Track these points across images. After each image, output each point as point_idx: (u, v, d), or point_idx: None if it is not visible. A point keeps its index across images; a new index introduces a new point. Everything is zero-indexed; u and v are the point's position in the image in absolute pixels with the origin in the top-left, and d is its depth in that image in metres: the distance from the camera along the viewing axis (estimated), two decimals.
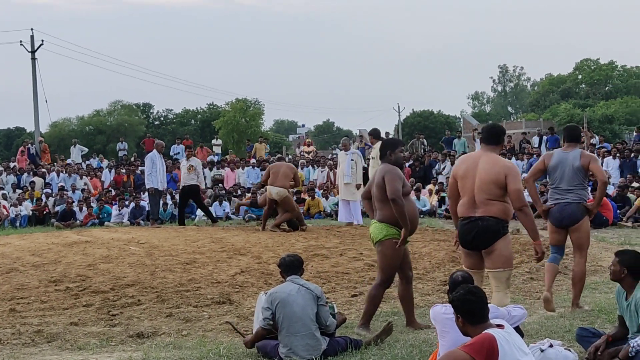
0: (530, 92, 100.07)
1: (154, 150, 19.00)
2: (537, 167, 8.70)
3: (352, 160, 17.50)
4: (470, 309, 4.79)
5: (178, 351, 7.02)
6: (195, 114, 79.86)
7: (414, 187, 22.19)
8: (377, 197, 7.51)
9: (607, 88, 78.91)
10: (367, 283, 10.20)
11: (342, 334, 7.17)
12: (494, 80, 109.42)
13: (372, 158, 14.40)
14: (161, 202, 20.45)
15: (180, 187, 19.46)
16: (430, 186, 23.08)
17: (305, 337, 6.62)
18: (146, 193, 21.41)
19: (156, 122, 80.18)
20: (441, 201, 21.97)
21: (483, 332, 4.66)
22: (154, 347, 7.23)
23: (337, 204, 19.92)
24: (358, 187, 17.22)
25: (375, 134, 16.54)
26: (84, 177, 26.00)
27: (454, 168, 7.23)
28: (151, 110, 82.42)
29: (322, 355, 6.61)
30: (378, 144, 14.03)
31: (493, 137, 7.08)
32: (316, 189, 23.50)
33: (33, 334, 7.87)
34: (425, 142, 33.64)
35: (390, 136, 37.41)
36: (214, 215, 19.94)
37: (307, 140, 35.09)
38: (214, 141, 37.42)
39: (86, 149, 34.30)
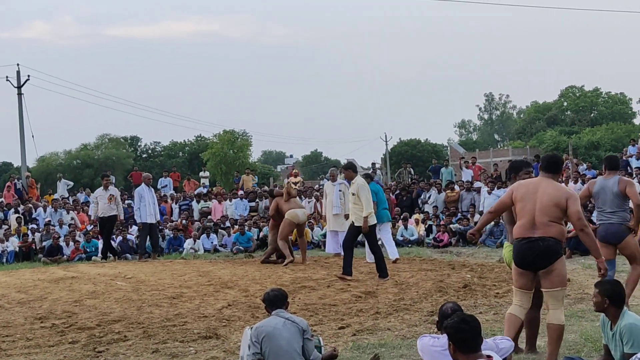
0: (516, 119, 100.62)
1: (142, 184, 18.99)
2: (583, 194, 9.90)
3: (340, 190, 17.55)
4: (464, 337, 4.79)
5: None
6: (183, 146, 79.93)
7: (401, 217, 22.26)
8: (509, 220, 7.83)
9: (592, 115, 79.43)
10: (354, 315, 10.17)
11: None
12: (480, 109, 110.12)
13: (353, 194, 13.90)
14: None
15: (99, 218, 19.48)
16: (416, 215, 23.09)
17: None
18: (134, 227, 21.43)
19: (144, 155, 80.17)
20: (428, 230, 21.99)
21: None
22: None
23: (324, 235, 19.93)
24: (346, 217, 17.08)
25: (352, 168, 15.70)
26: (70, 211, 25.88)
27: (515, 192, 7.41)
28: (139, 143, 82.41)
29: None
30: (357, 178, 13.94)
31: (552, 165, 7.54)
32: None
33: None
34: (413, 171, 33.72)
35: (378, 166, 37.51)
36: (198, 248, 20.03)
37: (294, 171, 35.12)
38: (201, 173, 37.37)
39: (72, 183, 34.23)
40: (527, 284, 7.23)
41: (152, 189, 19.27)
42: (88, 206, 27.36)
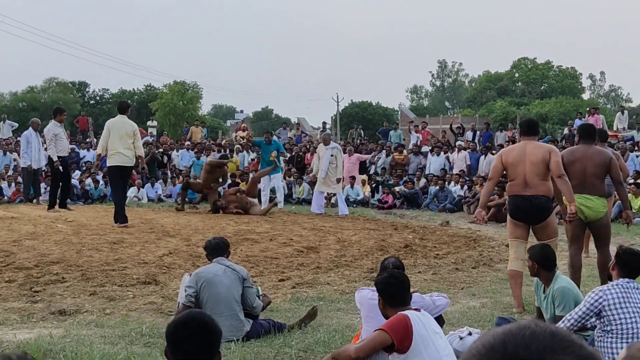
0: (468, 88, 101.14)
1: (30, 129, 18.29)
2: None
3: (332, 155, 17.88)
4: (392, 291, 4.93)
5: (100, 329, 6.94)
6: (131, 95, 78.71)
7: (349, 177, 22.34)
8: (598, 175, 8.46)
9: (542, 87, 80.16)
10: (295, 268, 10.25)
11: (267, 317, 7.19)
12: (433, 75, 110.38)
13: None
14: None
15: (59, 158, 16.18)
16: (363, 176, 23.19)
17: (229, 318, 6.61)
18: (77, 171, 21.13)
19: (92, 102, 78.83)
20: (374, 191, 22.12)
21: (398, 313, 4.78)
22: (75, 324, 7.13)
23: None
24: (338, 180, 18.21)
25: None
26: (13, 152, 25.39)
27: (503, 155, 8.23)
28: (87, 89, 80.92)
29: (245, 337, 6.61)
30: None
31: (531, 128, 8.34)
32: (250, 173, 23.45)
33: None
34: (363, 133, 33.80)
35: (328, 126, 37.50)
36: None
37: (243, 125, 34.95)
38: (149, 123, 36.97)
39: (16, 125, 33.51)
40: (522, 234, 8.13)
41: (39, 135, 18.43)
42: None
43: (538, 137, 8.48)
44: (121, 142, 13.31)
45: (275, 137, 22.63)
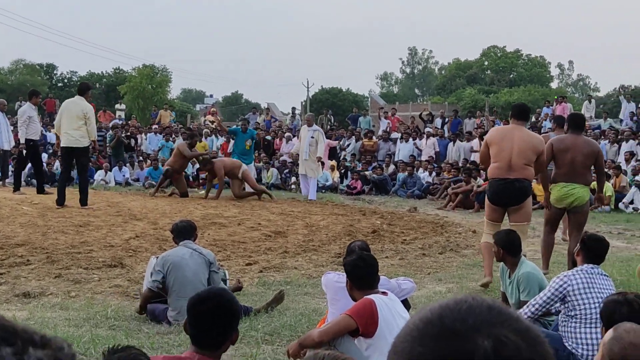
0: (438, 75, 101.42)
1: None
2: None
3: (312, 137, 17.76)
4: (360, 274, 4.93)
5: (64, 312, 6.88)
6: (100, 78, 78.00)
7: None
8: (586, 165, 8.74)
9: (511, 75, 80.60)
10: (262, 252, 10.23)
11: None
12: (403, 62, 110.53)
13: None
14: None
15: (30, 141, 15.62)
16: (332, 162, 23.20)
17: None
18: (44, 154, 20.88)
19: (59, 84, 77.99)
20: (343, 176, 22.15)
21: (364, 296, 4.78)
22: (39, 307, 7.06)
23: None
24: (319, 159, 18.40)
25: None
26: None
27: (488, 137, 8.44)
28: (55, 71, 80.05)
29: None
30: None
31: (522, 113, 8.47)
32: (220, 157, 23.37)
33: None
34: (332, 119, 33.79)
35: (297, 111, 37.45)
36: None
37: (212, 109, 34.76)
38: (117, 106, 36.67)
39: None
40: (499, 217, 8.33)
41: (6, 116, 17.99)
42: None
43: (528, 123, 8.63)
44: (70, 123, 13.09)
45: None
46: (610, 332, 3.17)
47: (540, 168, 8.30)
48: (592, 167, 9.01)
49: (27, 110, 15.11)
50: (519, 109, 8.57)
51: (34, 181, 17.21)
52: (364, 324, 4.65)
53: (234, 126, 21.24)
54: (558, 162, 8.71)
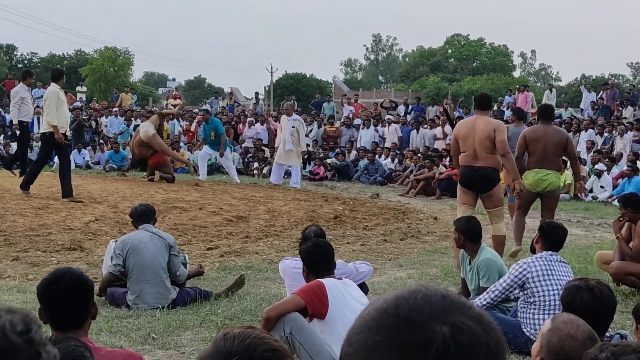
0: (402, 62, 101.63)
1: None
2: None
3: (293, 127, 17.44)
4: (316, 260, 4.97)
5: (22, 295, 6.81)
6: (61, 60, 77.03)
7: None
8: (557, 152, 9.13)
9: (474, 64, 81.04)
10: (224, 237, 10.19)
11: (194, 285, 7.14)
12: (367, 49, 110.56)
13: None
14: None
15: (22, 122, 15.03)
16: None
17: (155, 285, 6.55)
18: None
19: (20, 65, 76.91)
20: (305, 162, 22.12)
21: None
22: None
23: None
24: (304, 153, 18.55)
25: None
26: None
27: (455, 131, 8.83)
28: (15, 52, 78.95)
29: (171, 305, 6.56)
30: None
31: (483, 103, 8.83)
32: (181, 142, 23.24)
33: None
34: (296, 105, 33.71)
35: (261, 97, 37.32)
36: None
37: (175, 93, 34.51)
38: (78, 88, 36.23)
39: None
40: (469, 200, 8.67)
41: None
42: None
43: (490, 111, 8.96)
44: (66, 111, 13.16)
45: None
46: (548, 323, 3.21)
47: (500, 152, 8.45)
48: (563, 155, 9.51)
49: (19, 91, 14.71)
50: (480, 99, 9.01)
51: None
52: (312, 303, 4.70)
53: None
54: (530, 150, 9.16)
